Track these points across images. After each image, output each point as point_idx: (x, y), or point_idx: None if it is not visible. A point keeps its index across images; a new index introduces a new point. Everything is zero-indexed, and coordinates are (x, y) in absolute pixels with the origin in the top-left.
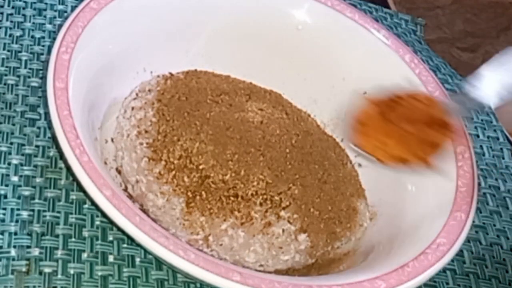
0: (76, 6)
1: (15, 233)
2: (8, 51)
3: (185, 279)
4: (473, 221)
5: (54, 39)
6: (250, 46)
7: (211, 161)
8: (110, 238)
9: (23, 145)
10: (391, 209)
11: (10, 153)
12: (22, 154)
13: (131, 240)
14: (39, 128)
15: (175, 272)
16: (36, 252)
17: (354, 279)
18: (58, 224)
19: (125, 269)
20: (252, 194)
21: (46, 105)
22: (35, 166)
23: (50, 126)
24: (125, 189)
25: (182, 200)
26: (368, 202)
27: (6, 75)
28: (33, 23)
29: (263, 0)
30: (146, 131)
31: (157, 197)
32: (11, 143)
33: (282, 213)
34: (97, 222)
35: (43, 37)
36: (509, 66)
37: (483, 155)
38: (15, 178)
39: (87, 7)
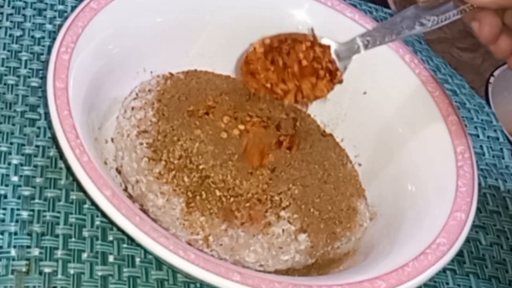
0: (76, 6)
1: (15, 233)
2: (8, 51)
3: (185, 279)
4: (473, 221)
5: (54, 39)
6: None
7: (211, 161)
8: (110, 238)
9: (23, 145)
10: (391, 209)
11: (10, 153)
12: (22, 154)
13: (131, 240)
14: (39, 128)
15: (175, 272)
16: (36, 252)
17: (354, 279)
18: (58, 224)
19: (125, 269)
20: (252, 194)
21: (46, 105)
22: (35, 166)
23: (50, 126)
24: (125, 189)
25: (182, 200)
26: (368, 202)
27: (6, 75)
28: (33, 23)
29: (263, 0)
30: (146, 131)
31: (157, 197)
32: (11, 143)
33: (282, 213)
34: (97, 222)
35: (43, 37)
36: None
37: (483, 155)
38: (15, 178)
39: (87, 7)
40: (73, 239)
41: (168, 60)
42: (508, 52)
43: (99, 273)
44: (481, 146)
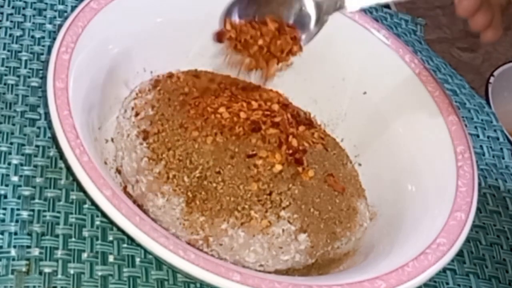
0: (76, 6)
1: (15, 233)
2: (8, 51)
3: (185, 279)
4: (473, 221)
5: (54, 39)
6: None
7: (211, 161)
8: (110, 238)
9: (23, 145)
10: (391, 209)
11: (10, 153)
12: (22, 154)
13: (131, 240)
14: (39, 128)
15: (175, 272)
16: (36, 252)
17: (354, 279)
18: (58, 224)
19: (125, 269)
20: (252, 194)
21: (46, 105)
22: (35, 166)
23: (50, 126)
24: (125, 189)
25: (182, 200)
26: (368, 202)
27: (6, 75)
28: (33, 23)
29: None
30: (146, 131)
31: (157, 197)
32: (11, 143)
33: (282, 213)
34: (97, 222)
35: (43, 37)
36: None
37: (483, 155)
38: (15, 178)
39: (87, 7)
40: (73, 239)
41: (168, 60)
42: (484, 26)
43: (99, 273)
44: (481, 146)
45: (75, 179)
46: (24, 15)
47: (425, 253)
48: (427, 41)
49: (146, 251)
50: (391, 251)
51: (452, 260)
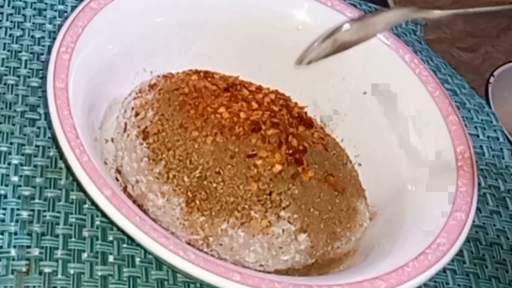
0: (76, 6)
1: (15, 233)
2: (8, 51)
3: (185, 279)
4: (473, 221)
5: (54, 39)
6: (250, 46)
7: (211, 161)
8: (110, 238)
9: (23, 145)
10: (391, 209)
11: (10, 153)
12: (22, 154)
13: (131, 240)
14: (39, 128)
15: (175, 272)
16: (36, 252)
17: (354, 279)
18: (58, 224)
19: (125, 269)
20: (252, 194)
21: (46, 105)
22: (35, 166)
23: (50, 126)
24: (125, 189)
25: (182, 200)
26: (368, 202)
27: (6, 75)
28: (33, 23)
29: (263, 0)
30: (146, 131)
31: (157, 197)
32: (11, 143)
33: (282, 213)
34: (97, 222)
35: (43, 37)
36: None
37: (483, 155)
38: (15, 178)
39: (87, 7)
40: (73, 239)
41: (168, 60)
42: None
43: (99, 273)
44: (481, 146)
45: (75, 179)
46: (24, 15)
47: (425, 253)
48: (427, 41)
49: (146, 251)
50: (391, 251)
51: (452, 260)
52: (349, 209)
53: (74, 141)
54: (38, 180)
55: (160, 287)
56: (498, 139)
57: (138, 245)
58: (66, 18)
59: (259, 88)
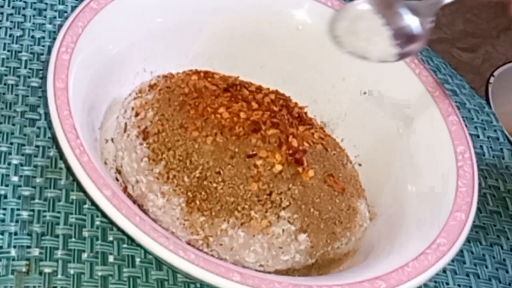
0: (76, 6)
1: (15, 233)
2: (8, 51)
3: (185, 279)
4: (473, 221)
5: (54, 39)
6: (250, 46)
7: (211, 161)
8: (110, 238)
9: (23, 145)
10: (391, 209)
11: (10, 153)
12: (22, 154)
13: (131, 240)
14: (39, 128)
15: (175, 272)
16: (36, 252)
17: (354, 279)
18: (58, 224)
19: (125, 269)
20: (252, 194)
21: (46, 105)
22: (35, 166)
23: (50, 126)
24: (125, 189)
25: (182, 200)
26: (368, 202)
27: (6, 75)
28: (33, 23)
29: (263, 0)
30: (146, 131)
31: (157, 197)
32: (11, 143)
33: (282, 213)
34: (97, 222)
35: (43, 37)
36: None
37: (483, 155)
38: (15, 178)
39: (87, 7)
40: (73, 239)
41: (168, 60)
42: None
43: (99, 273)
44: (481, 146)
45: (75, 179)
46: (24, 15)
47: (425, 253)
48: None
49: (146, 251)
50: (391, 251)
51: (452, 260)
52: (349, 209)
53: (74, 141)
54: (38, 180)
55: (160, 287)
56: (498, 139)
57: (138, 245)
58: (66, 18)
59: (259, 88)
